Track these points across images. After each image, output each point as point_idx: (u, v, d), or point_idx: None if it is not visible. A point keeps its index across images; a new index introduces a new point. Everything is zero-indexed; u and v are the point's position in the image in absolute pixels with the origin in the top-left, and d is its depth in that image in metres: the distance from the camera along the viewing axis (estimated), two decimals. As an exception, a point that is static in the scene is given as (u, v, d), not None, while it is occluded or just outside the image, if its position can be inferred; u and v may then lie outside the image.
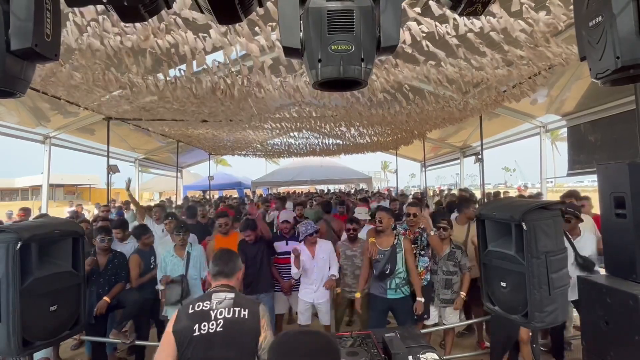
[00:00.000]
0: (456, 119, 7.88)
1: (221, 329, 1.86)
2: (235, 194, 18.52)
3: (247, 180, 19.43)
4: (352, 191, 17.17)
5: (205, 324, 1.86)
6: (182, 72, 4.60)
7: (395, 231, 3.94)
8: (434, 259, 4.09)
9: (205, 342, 1.84)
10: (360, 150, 14.32)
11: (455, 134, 11.18)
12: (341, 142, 12.69)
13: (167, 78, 4.67)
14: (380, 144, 12.54)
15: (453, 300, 4.02)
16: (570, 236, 3.67)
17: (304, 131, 10.31)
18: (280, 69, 4.59)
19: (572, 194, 4.71)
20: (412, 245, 3.97)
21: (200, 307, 1.92)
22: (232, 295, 1.98)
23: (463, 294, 3.96)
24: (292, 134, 11.01)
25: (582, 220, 3.78)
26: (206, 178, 15.76)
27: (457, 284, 4.03)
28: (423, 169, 14.41)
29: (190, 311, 1.92)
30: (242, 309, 1.93)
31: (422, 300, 3.78)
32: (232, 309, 1.91)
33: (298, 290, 4.34)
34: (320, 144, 12.69)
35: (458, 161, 12.45)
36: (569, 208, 3.76)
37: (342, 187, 22.17)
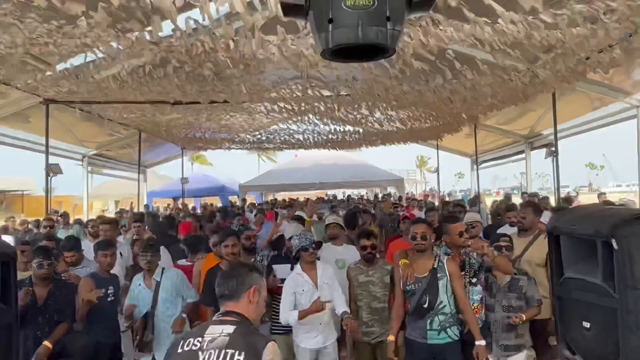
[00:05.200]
0: (520, 98, 7.82)
1: None
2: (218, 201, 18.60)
3: (234, 184, 19.48)
4: (380, 196, 17.10)
5: None
6: (147, 35, 4.65)
7: (434, 251, 3.93)
8: (490, 290, 4.06)
9: None
10: (388, 141, 14.30)
11: (519, 118, 11.10)
12: (361, 130, 12.69)
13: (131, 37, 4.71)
14: (415, 132, 12.50)
15: (518, 347, 3.98)
16: None
17: (311, 115, 10.33)
18: (277, 30, 4.61)
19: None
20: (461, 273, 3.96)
21: (190, 346, 1.96)
22: (231, 328, 1.98)
23: (523, 316, 3.89)
24: (294, 119, 11.04)
25: None
26: (178, 181, 15.85)
27: (524, 324, 3.99)
28: (475, 166, 14.31)
29: (179, 350, 1.98)
30: (237, 352, 1.91)
31: (483, 343, 3.69)
32: (222, 351, 1.91)
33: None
34: (332, 132, 12.69)
35: (523, 155, 12.35)
36: None
37: (364, 192, 22.13)
